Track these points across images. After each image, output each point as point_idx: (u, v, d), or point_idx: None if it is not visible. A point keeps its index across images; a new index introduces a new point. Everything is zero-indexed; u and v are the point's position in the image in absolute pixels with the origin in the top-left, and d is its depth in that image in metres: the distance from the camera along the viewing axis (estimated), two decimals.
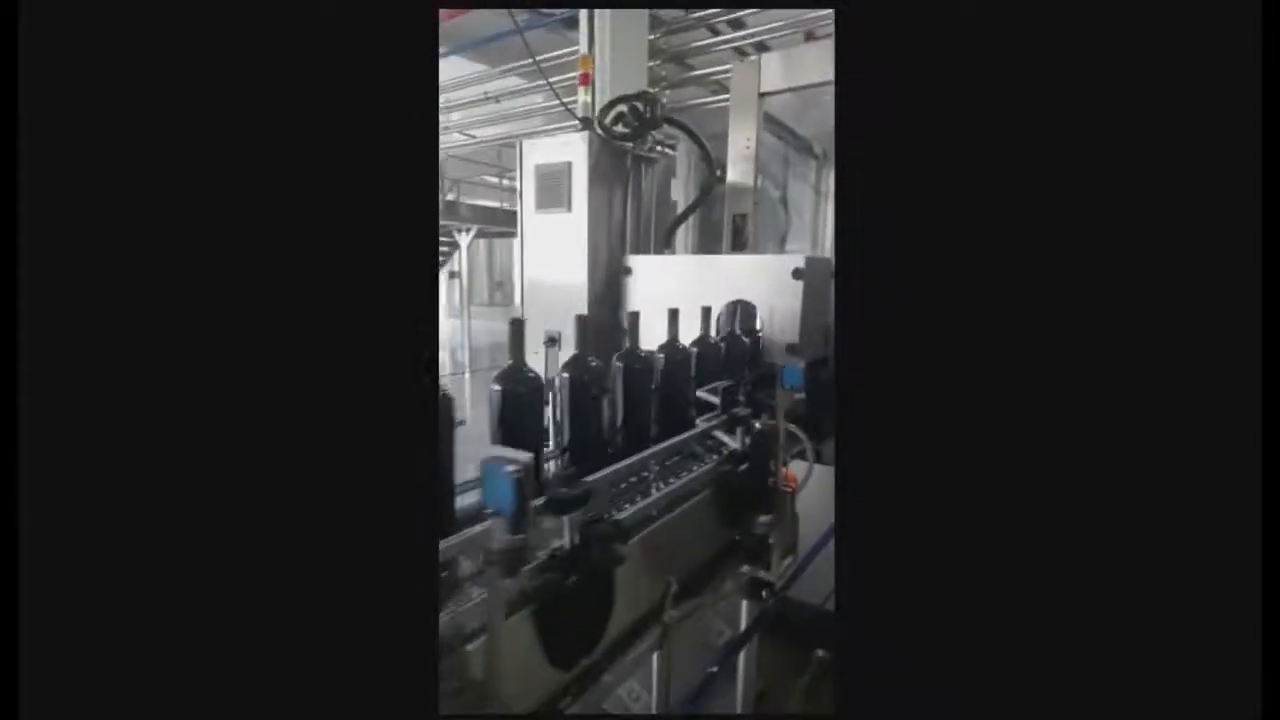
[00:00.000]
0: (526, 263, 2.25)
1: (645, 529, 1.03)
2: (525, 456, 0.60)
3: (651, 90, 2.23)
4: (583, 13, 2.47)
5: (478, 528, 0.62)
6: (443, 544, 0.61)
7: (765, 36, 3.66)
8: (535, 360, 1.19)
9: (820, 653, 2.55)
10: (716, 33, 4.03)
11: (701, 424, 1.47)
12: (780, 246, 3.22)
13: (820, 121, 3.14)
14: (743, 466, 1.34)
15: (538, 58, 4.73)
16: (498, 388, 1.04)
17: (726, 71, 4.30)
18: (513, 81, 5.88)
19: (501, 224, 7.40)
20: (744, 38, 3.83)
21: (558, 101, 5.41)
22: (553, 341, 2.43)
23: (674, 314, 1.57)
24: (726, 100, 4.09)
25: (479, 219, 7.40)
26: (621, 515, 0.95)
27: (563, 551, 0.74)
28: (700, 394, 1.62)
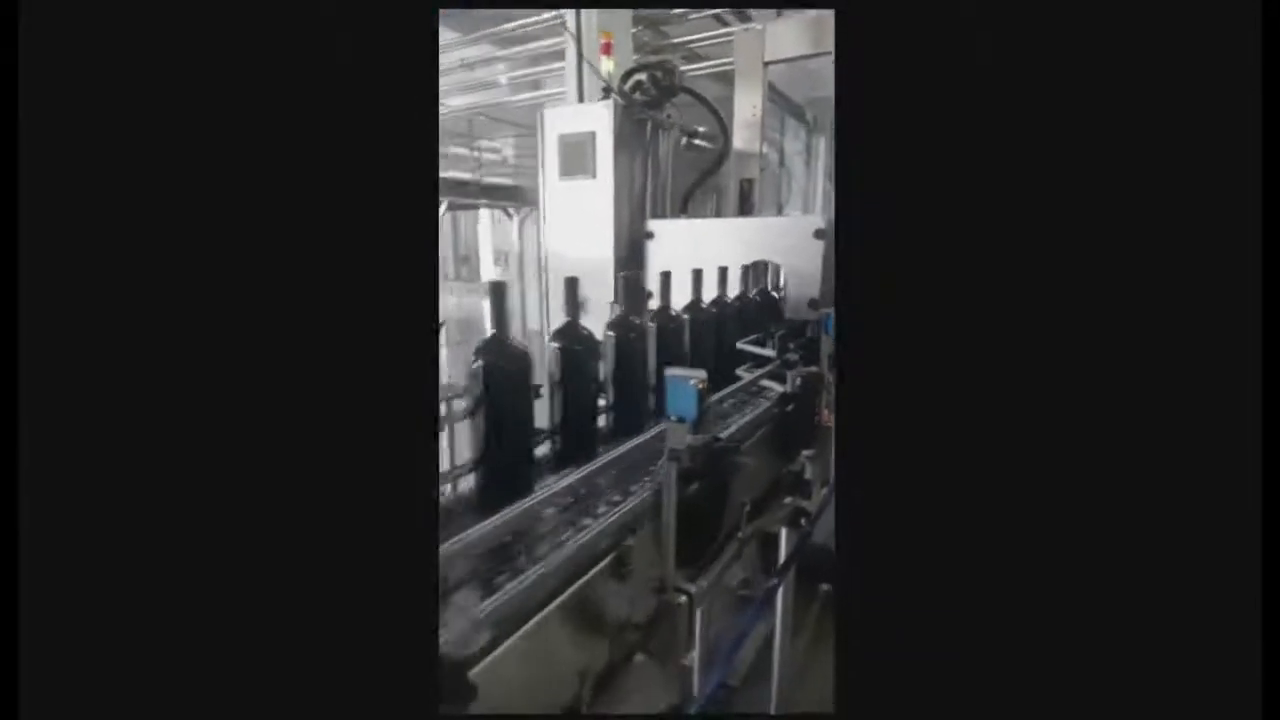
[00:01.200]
0: (549, 229, 2.32)
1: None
2: (702, 372, 0.73)
3: (669, 59, 2.31)
4: None
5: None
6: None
7: (745, 5, 3.74)
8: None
9: (826, 587, 2.79)
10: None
11: (744, 372, 1.62)
12: (778, 210, 3.36)
13: (810, 88, 3.26)
14: (789, 407, 1.50)
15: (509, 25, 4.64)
16: (555, 345, 1.13)
17: (702, 40, 4.34)
18: (485, 49, 5.77)
19: (473, 197, 7.30)
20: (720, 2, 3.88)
21: (520, 73, 5.27)
22: (581, 304, 2.52)
23: (698, 274, 1.69)
24: (701, 68, 4.15)
25: (449, 191, 7.27)
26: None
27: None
28: (741, 345, 1.76)
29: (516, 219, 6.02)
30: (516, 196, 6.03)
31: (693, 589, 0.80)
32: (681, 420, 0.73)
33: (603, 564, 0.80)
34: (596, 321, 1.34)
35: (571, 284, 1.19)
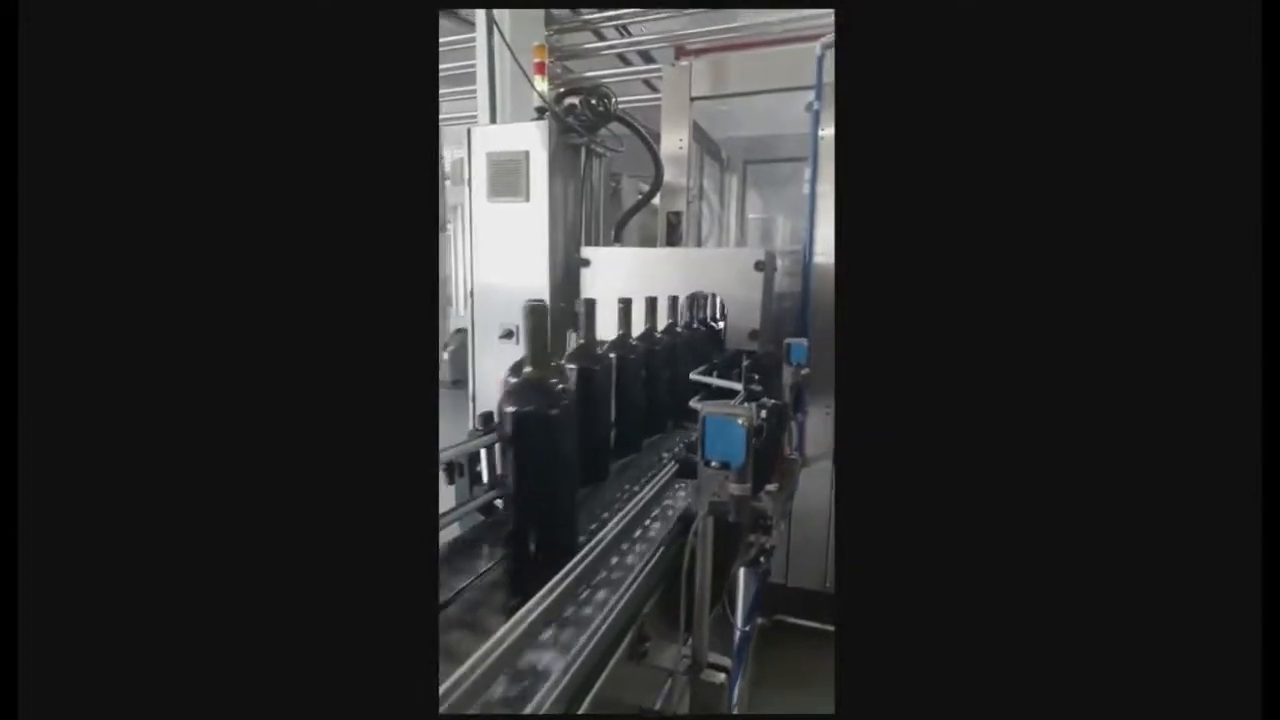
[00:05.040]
0: (476, 254, 2.15)
1: None
2: (746, 409, 0.63)
3: (604, 84, 2.26)
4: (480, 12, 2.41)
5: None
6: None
7: (648, 46, 3.82)
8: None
9: (760, 620, 2.76)
10: (602, 38, 4.12)
11: (727, 403, 1.55)
12: (698, 242, 3.40)
13: (727, 129, 3.38)
14: (754, 440, 1.44)
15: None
16: (573, 366, 1.03)
17: (610, 77, 4.40)
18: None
19: None
20: (628, 45, 3.95)
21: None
22: (509, 334, 2.36)
23: (652, 302, 1.63)
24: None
25: None
26: None
27: None
28: (695, 376, 1.70)
29: None
30: None
31: (729, 663, 0.69)
32: (725, 466, 0.62)
33: (622, 646, 0.66)
34: None
35: (590, 305, 1.07)
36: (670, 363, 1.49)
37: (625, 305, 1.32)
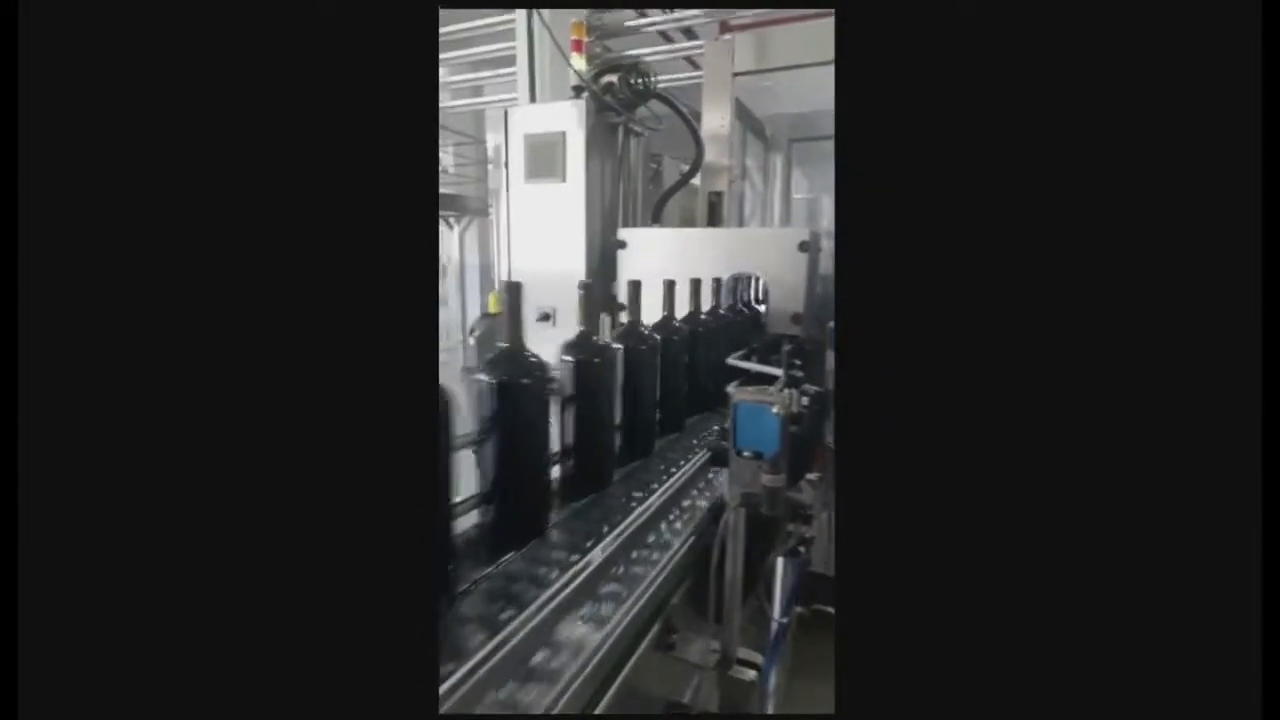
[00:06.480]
0: (514, 237, 2.14)
1: None
2: (781, 396, 0.59)
3: (645, 62, 2.20)
4: None
5: None
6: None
7: (690, 21, 3.71)
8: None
9: (799, 609, 2.72)
10: (644, 13, 4.02)
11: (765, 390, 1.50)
12: (740, 223, 3.31)
13: (771, 106, 3.26)
14: (793, 427, 1.39)
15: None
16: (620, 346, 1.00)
17: (651, 55, 4.32)
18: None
19: None
20: (671, 22, 3.85)
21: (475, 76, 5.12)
22: (545, 317, 2.35)
23: (696, 284, 1.59)
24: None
25: None
26: None
27: None
28: (732, 361, 1.65)
29: (457, 229, 5.72)
30: (458, 206, 5.72)
31: (760, 660, 0.66)
32: (758, 455, 0.59)
33: (649, 637, 0.64)
34: (566, 335, 1.17)
35: (635, 287, 1.10)
36: (666, 353, 1.44)
37: (669, 286, 1.28)
